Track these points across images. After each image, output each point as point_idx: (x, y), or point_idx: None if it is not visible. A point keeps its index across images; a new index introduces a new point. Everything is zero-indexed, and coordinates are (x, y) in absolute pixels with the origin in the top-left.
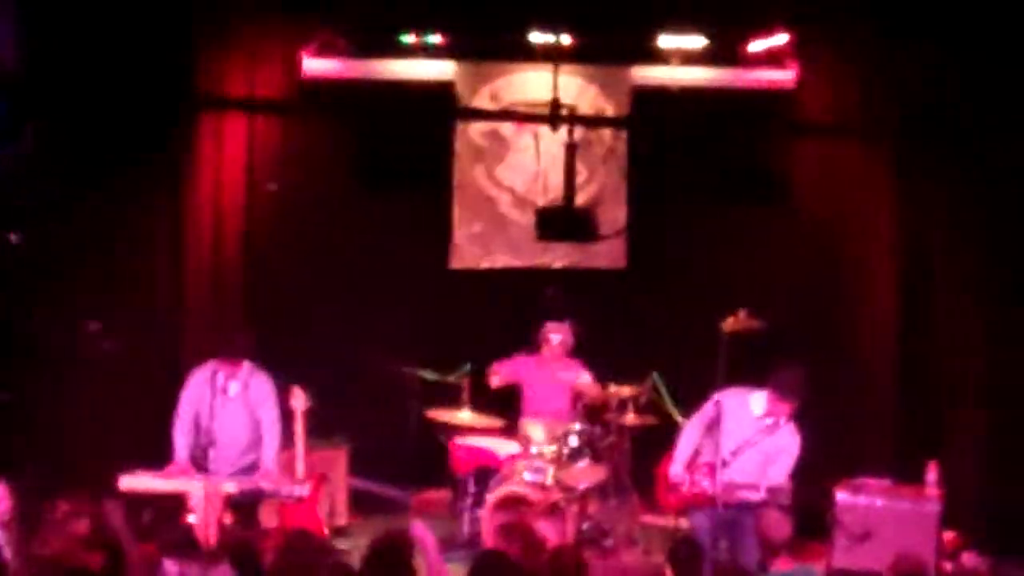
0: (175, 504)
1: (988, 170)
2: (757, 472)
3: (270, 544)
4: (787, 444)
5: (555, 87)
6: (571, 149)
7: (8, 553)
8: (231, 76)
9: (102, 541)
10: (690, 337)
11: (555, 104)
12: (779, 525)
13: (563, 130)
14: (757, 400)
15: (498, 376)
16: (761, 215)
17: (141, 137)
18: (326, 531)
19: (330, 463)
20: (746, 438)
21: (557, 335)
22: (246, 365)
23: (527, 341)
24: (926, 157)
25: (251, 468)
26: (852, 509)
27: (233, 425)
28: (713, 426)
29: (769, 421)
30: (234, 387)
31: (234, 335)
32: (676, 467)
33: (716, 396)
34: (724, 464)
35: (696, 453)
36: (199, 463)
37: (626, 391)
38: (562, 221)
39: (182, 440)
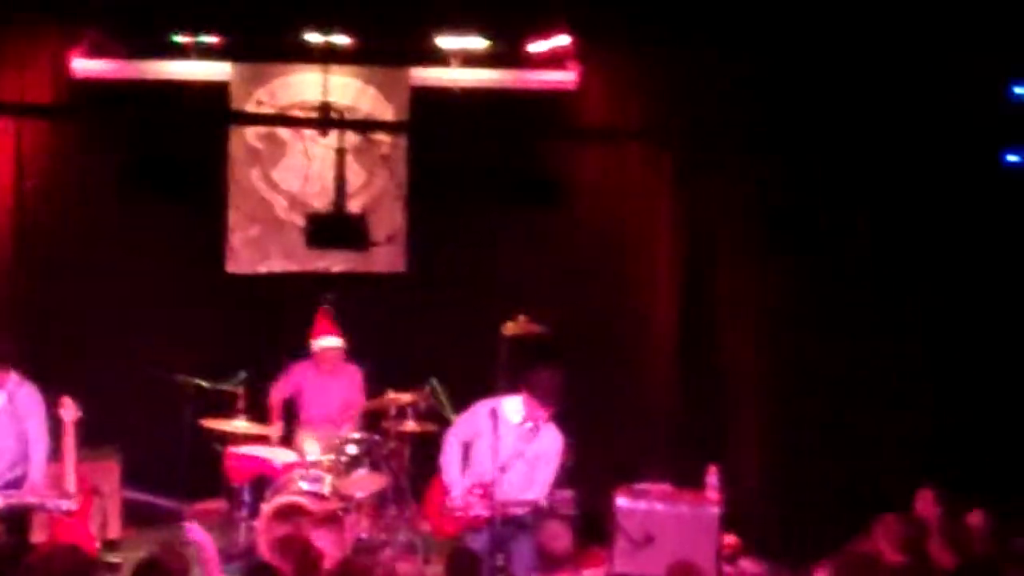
0: None
1: (768, 175)
2: (525, 484)
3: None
4: (548, 449)
5: (325, 90)
6: (341, 154)
7: None
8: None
9: None
10: (470, 342)
11: (325, 108)
12: (559, 537)
13: (335, 134)
14: (512, 406)
15: (279, 394)
16: (542, 219)
17: None
18: (97, 545)
19: (102, 474)
20: (509, 449)
21: (329, 344)
22: (12, 375)
23: (304, 348)
24: (706, 162)
25: (19, 481)
26: (632, 514)
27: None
28: (474, 440)
29: (529, 426)
30: (0, 398)
31: None
32: (455, 493)
33: (472, 409)
34: (494, 482)
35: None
36: None
37: (405, 398)
38: (332, 228)
39: None
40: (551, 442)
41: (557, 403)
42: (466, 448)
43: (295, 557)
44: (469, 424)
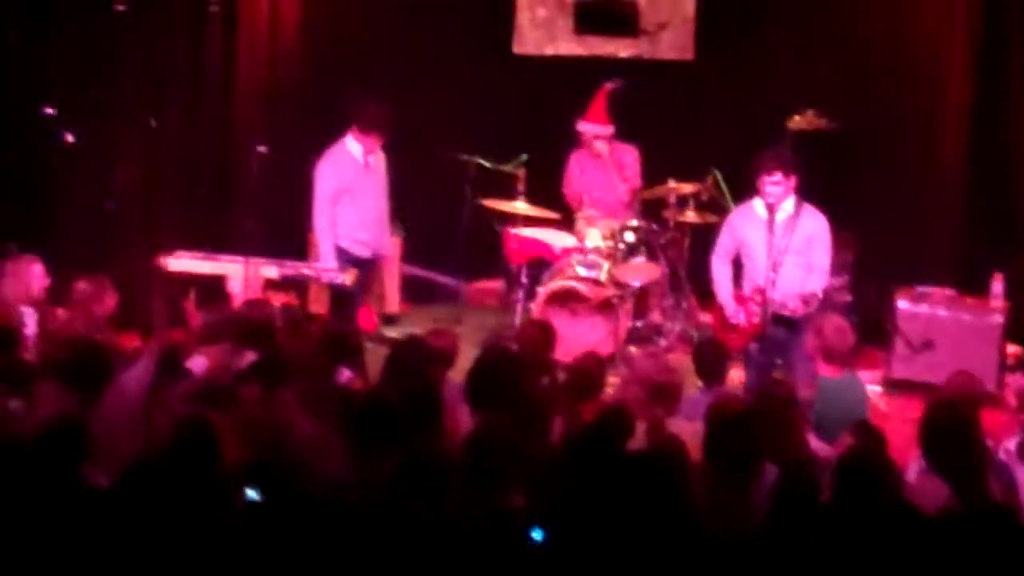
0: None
1: None
2: (804, 274)
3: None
4: (813, 231)
5: None
6: None
7: (33, 330)
8: None
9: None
10: (755, 134)
11: None
12: (841, 333)
13: None
14: (759, 204)
15: (570, 189)
16: (834, 14)
17: None
18: (376, 319)
19: None
20: (772, 245)
21: (590, 130)
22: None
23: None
24: None
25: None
26: (913, 318)
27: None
28: (740, 250)
29: (780, 218)
30: (373, 160)
31: (368, 106)
32: (730, 308)
33: (726, 222)
34: (773, 284)
35: (737, 285)
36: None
37: (686, 187)
38: (600, 13)
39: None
40: (814, 223)
41: (795, 171)
42: (737, 264)
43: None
44: (727, 238)
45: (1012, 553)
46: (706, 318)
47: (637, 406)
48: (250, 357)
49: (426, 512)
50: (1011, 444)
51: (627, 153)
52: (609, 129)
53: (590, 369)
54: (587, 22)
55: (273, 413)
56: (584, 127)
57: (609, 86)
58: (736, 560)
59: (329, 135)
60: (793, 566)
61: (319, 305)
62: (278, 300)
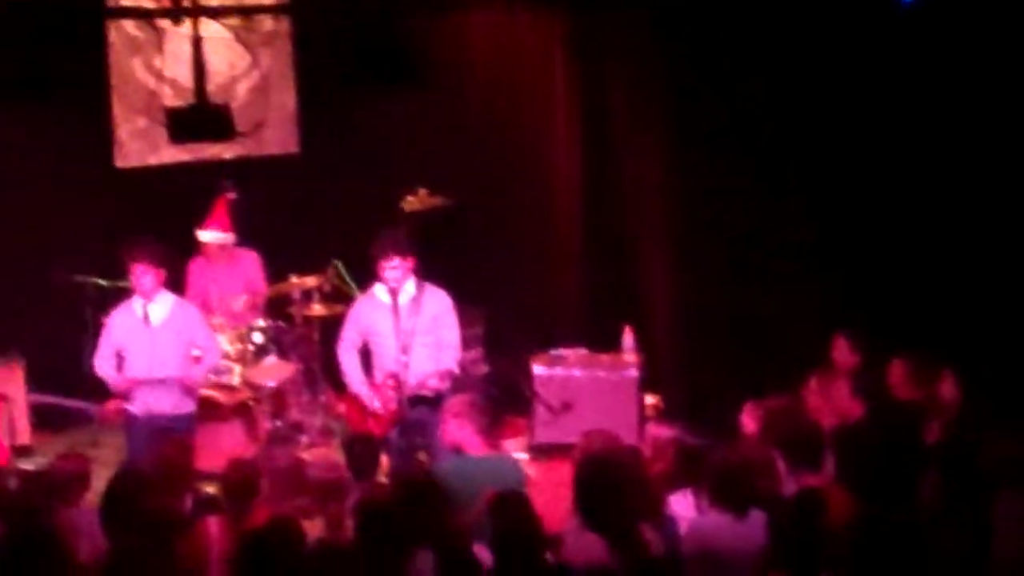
0: None
1: (665, 29)
2: (435, 354)
3: None
4: (438, 310)
5: None
6: (197, 43)
7: None
8: None
9: None
10: (370, 219)
11: None
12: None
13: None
14: (380, 290)
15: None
16: (436, 94)
17: None
18: (7, 452)
19: (7, 381)
20: (399, 329)
21: (210, 239)
22: None
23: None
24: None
25: None
26: (550, 381)
27: None
28: (367, 339)
29: (404, 301)
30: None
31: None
32: (365, 396)
33: (348, 315)
34: (406, 367)
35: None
36: None
37: (309, 281)
38: (193, 120)
39: None
40: (437, 302)
41: (407, 252)
42: (366, 352)
43: None
44: (351, 329)
45: None
46: (343, 409)
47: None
48: None
49: None
50: (677, 497)
51: (247, 258)
52: (231, 236)
53: (242, 475)
54: (181, 130)
55: None
56: (206, 235)
57: (229, 195)
58: None
59: None
60: None
61: None
62: None
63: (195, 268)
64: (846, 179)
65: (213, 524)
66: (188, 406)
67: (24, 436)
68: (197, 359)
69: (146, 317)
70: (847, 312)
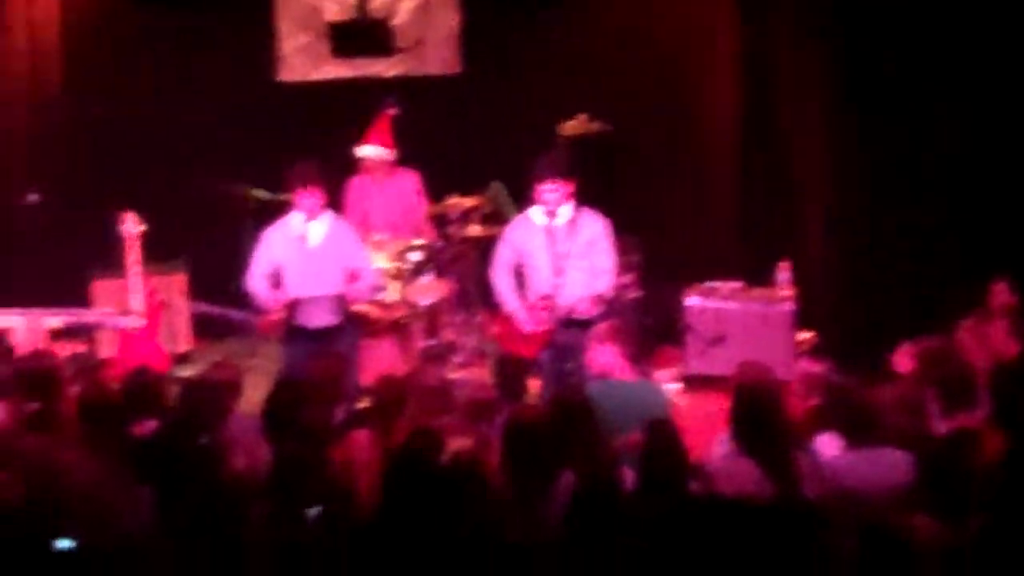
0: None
1: None
2: (589, 279)
3: (112, 373)
4: (593, 234)
5: None
6: None
7: None
8: None
9: None
10: (529, 142)
11: None
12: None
13: None
14: (535, 211)
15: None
16: (599, 18)
17: None
18: (168, 358)
19: (170, 289)
20: (554, 252)
21: (369, 154)
22: None
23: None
24: None
25: None
26: (703, 313)
27: None
28: (521, 261)
29: (559, 224)
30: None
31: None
32: (521, 317)
33: (502, 236)
34: (558, 290)
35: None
36: None
37: (468, 201)
38: (354, 35)
39: None
40: (593, 227)
41: (562, 174)
42: (519, 274)
43: None
44: (506, 250)
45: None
46: (496, 331)
47: (459, 426)
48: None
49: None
50: (824, 437)
51: (407, 178)
52: (392, 153)
53: (392, 391)
54: (344, 44)
55: (53, 461)
56: (366, 151)
57: (391, 111)
58: (533, 565)
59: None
60: (593, 565)
61: (109, 350)
62: (67, 349)
63: (354, 186)
64: (1008, 120)
65: (362, 437)
66: (345, 321)
67: (185, 344)
68: (354, 276)
69: (304, 236)
70: (1004, 254)
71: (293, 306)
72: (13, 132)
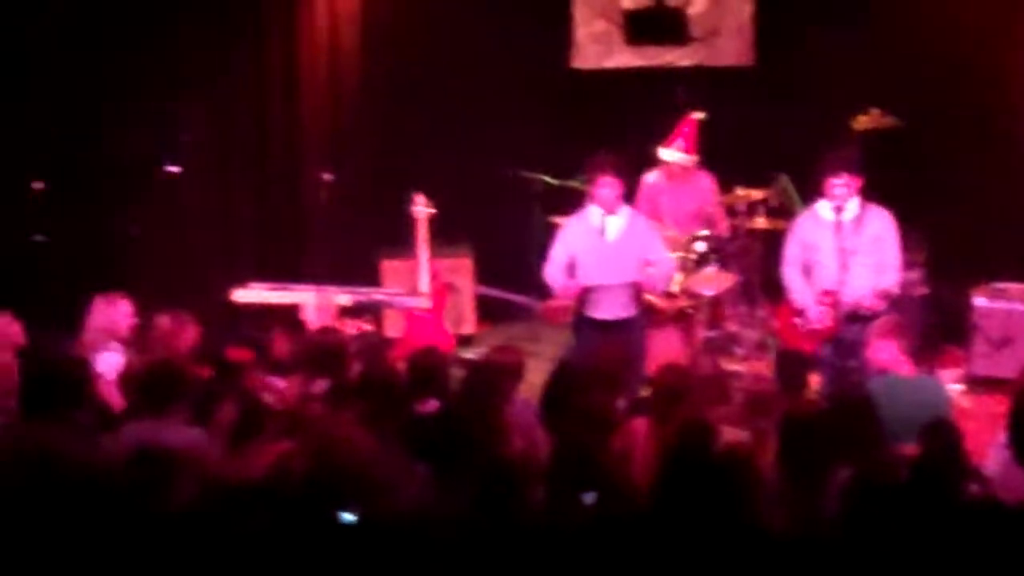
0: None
1: None
2: (874, 274)
3: (397, 352)
4: (879, 230)
5: None
6: None
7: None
8: None
9: (209, 355)
10: (819, 136)
11: None
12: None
13: None
14: (823, 206)
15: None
16: (894, 11)
17: None
18: (452, 340)
19: (456, 272)
20: (840, 247)
21: (674, 159)
22: None
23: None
24: None
25: None
26: (991, 314)
27: None
28: (808, 255)
29: (846, 220)
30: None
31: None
32: (813, 313)
33: (791, 229)
34: (842, 285)
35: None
36: None
37: (755, 194)
38: (649, 23)
39: None
40: (880, 223)
41: (852, 170)
42: (805, 269)
43: None
44: (794, 246)
45: None
46: (778, 324)
47: (737, 418)
48: (323, 384)
49: (507, 525)
50: None
51: (703, 181)
52: (694, 159)
53: (672, 380)
54: (639, 32)
55: (336, 435)
56: (669, 155)
57: (697, 115)
58: (805, 560)
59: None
60: (866, 564)
61: (395, 329)
62: (354, 327)
63: (649, 183)
64: None
65: (641, 425)
66: (635, 311)
67: (469, 326)
68: (650, 264)
69: (603, 229)
70: None
71: (586, 296)
72: (313, 113)
